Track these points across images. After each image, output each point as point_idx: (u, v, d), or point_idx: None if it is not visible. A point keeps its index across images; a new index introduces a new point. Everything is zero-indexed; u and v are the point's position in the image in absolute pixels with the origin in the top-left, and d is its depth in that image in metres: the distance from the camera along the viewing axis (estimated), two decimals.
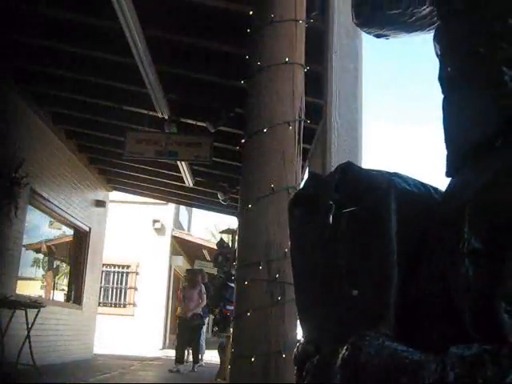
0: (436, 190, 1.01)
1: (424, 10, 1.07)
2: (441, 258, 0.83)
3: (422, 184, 1.01)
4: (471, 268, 0.74)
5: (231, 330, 4.64)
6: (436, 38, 0.98)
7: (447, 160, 0.93)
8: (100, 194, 10.93)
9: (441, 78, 0.96)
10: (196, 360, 10.04)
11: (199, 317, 9.82)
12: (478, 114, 0.87)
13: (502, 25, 0.84)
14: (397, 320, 0.89)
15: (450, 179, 0.93)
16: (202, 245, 16.13)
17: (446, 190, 0.93)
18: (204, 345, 10.82)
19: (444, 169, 0.94)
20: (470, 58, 0.88)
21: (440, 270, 0.82)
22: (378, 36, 1.20)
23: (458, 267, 0.76)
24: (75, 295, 9.88)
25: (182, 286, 10.56)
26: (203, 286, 9.96)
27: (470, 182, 0.83)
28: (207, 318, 10.92)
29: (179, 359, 9.69)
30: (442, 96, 0.97)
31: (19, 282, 7.54)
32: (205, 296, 9.81)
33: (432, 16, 1.07)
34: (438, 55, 0.97)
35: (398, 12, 1.09)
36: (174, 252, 16.61)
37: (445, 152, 0.94)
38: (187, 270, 10.90)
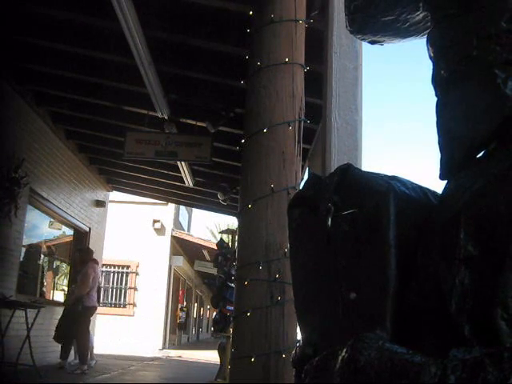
0: (434, 193, 1.01)
1: (418, 15, 1.07)
2: (437, 263, 0.82)
3: (421, 188, 1.01)
4: (467, 274, 0.74)
5: (231, 329, 4.64)
6: (429, 42, 0.98)
7: (441, 163, 0.93)
8: (100, 194, 10.93)
9: (434, 81, 0.96)
10: (82, 359, 7.96)
11: (76, 303, 7.88)
12: (471, 117, 0.87)
13: (495, 27, 0.83)
14: (393, 324, 0.89)
15: (445, 183, 0.93)
16: (201, 245, 16.14)
17: (442, 195, 0.93)
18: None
19: (438, 171, 0.94)
20: (462, 61, 0.88)
21: (436, 275, 0.82)
22: (373, 42, 1.21)
23: (454, 273, 0.76)
24: None
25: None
26: (90, 265, 8.21)
27: (465, 186, 0.83)
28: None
29: (62, 354, 8.01)
30: (435, 98, 0.97)
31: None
32: (88, 277, 8.02)
33: (426, 21, 1.07)
34: (431, 58, 0.97)
35: (391, 18, 1.09)
36: (173, 252, 16.62)
37: (439, 155, 0.94)
38: (78, 248, 8.84)
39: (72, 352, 8.36)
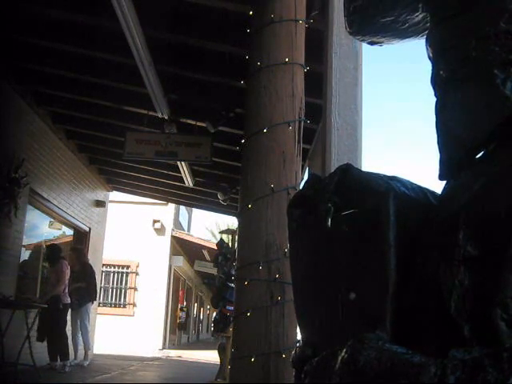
0: (434, 194, 1.01)
1: (417, 16, 1.07)
2: (436, 264, 0.82)
3: (420, 188, 1.01)
4: (467, 275, 0.74)
5: (231, 330, 4.64)
6: (428, 42, 0.98)
7: (440, 163, 0.93)
8: (100, 194, 10.93)
9: (434, 82, 0.96)
10: (65, 357, 7.91)
11: (56, 301, 7.75)
12: (471, 118, 0.87)
13: (494, 28, 0.83)
14: (393, 324, 0.89)
15: (444, 184, 0.93)
16: (201, 245, 16.15)
17: (441, 195, 0.93)
18: (79, 338, 8.74)
19: (437, 172, 0.94)
20: (462, 62, 0.88)
21: (436, 275, 0.82)
22: (372, 43, 1.21)
23: (453, 274, 0.76)
24: None
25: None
26: (63, 262, 8.10)
27: (464, 186, 0.83)
28: (87, 305, 8.87)
29: (59, 355, 7.90)
30: (434, 99, 0.97)
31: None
32: (64, 274, 7.95)
33: (425, 22, 1.07)
34: (430, 58, 0.97)
35: (391, 19, 1.09)
36: (173, 252, 16.62)
37: (438, 155, 0.94)
38: (46, 246, 8.73)
39: (71, 351, 8.37)
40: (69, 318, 8.50)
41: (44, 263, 9.02)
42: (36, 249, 9.05)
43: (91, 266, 9.26)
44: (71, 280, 8.59)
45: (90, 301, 9.00)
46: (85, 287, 8.78)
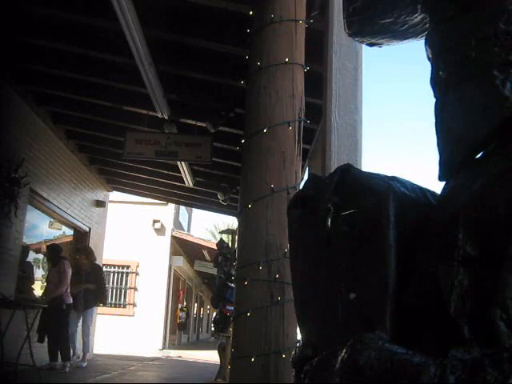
0: (434, 194, 1.01)
1: (416, 17, 1.07)
2: (436, 264, 0.82)
3: (420, 188, 1.01)
4: (466, 275, 0.74)
5: (231, 330, 4.64)
6: (428, 43, 0.98)
7: (440, 164, 0.93)
8: (100, 194, 10.93)
9: (433, 82, 0.96)
10: (67, 357, 7.91)
11: (59, 302, 7.73)
12: (470, 118, 0.87)
13: (494, 29, 0.84)
14: (393, 324, 0.89)
15: (444, 184, 0.93)
16: (201, 245, 16.15)
17: (441, 196, 0.93)
18: (77, 338, 8.69)
19: (437, 173, 0.94)
20: (461, 63, 0.88)
21: (435, 276, 0.82)
22: (371, 44, 1.21)
23: (453, 274, 0.76)
24: None
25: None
26: (65, 262, 8.05)
27: (464, 187, 0.83)
28: (93, 309, 8.91)
29: (61, 355, 7.92)
30: (434, 100, 0.97)
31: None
32: (66, 275, 7.91)
33: (424, 23, 1.07)
34: (429, 59, 0.98)
35: (390, 21, 1.09)
36: (173, 252, 16.62)
37: (438, 156, 0.94)
38: (47, 245, 8.68)
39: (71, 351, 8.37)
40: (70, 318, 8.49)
41: (44, 263, 9.02)
42: (36, 249, 9.04)
43: (101, 268, 9.21)
44: (79, 280, 8.59)
45: (96, 304, 8.97)
46: (94, 289, 8.73)
